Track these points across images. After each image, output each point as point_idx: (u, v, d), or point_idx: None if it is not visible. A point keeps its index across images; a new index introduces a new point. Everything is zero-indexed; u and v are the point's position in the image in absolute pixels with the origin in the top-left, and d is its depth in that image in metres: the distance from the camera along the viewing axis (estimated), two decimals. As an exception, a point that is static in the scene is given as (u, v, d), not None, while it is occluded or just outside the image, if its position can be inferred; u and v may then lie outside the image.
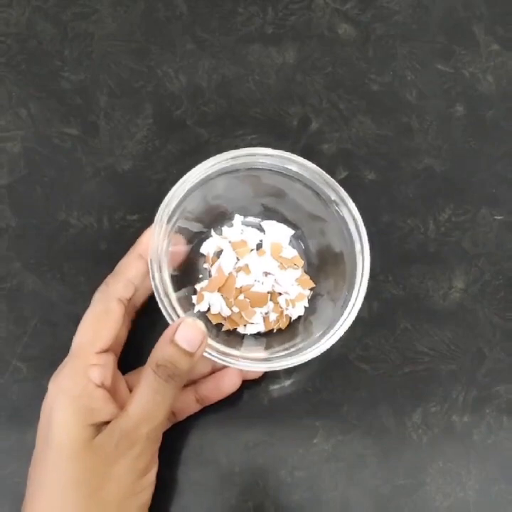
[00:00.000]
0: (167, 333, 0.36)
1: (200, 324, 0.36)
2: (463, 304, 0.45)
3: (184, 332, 0.35)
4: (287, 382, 0.43)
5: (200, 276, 0.44)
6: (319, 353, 0.37)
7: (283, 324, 0.43)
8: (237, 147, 0.48)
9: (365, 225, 0.39)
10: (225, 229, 0.45)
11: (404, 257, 0.46)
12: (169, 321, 0.37)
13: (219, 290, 0.43)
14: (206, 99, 0.50)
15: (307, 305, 0.44)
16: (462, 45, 0.52)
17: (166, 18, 0.52)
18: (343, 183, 0.41)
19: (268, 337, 0.43)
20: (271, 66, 0.51)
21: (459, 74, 0.51)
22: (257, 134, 0.49)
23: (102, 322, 0.38)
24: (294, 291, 0.43)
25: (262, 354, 0.41)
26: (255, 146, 0.48)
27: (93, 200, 0.47)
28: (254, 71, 0.51)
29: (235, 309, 0.43)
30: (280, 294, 0.44)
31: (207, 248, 0.45)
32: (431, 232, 0.47)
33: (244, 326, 0.43)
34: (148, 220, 0.46)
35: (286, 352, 0.39)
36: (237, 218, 0.45)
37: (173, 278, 0.41)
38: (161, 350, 0.36)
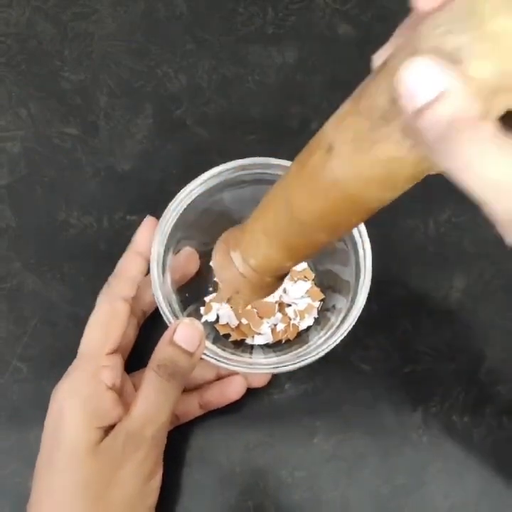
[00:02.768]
0: (166, 335, 0.36)
1: (198, 324, 0.36)
2: (463, 304, 0.45)
3: (183, 332, 0.36)
4: (287, 383, 0.43)
5: (210, 288, 0.45)
6: (322, 354, 0.38)
7: (291, 335, 0.43)
8: (237, 147, 0.48)
9: (365, 224, 0.39)
10: None
11: (405, 257, 0.46)
12: (168, 323, 0.37)
13: (227, 301, 0.43)
14: (206, 99, 0.50)
15: (317, 316, 0.44)
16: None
17: (166, 18, 0.52)
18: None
19: (276, 348, 0.43)
20: (271, 66, 0.51)
21: (459, 74, 0.51)
22: (257, 134, 0.49)
23: (109, 323, 0.38)
24: (303, 302, 0.44)
25: (269, 361, 0.40)
26: (255, 146, 0.48)
27: (93, 200, 0.47)
28: (255, 71, 0.51)
29: (244, 321, 0.43)
30: (289, 305, 0.44)
31: None
32: (431, 232, 0.47)
33: (253, 337, 0.43)
34: (148, 220, 0.46)
35: (293, 360, 0.39)
36: None
37: (183, 291, 0.42)
38: (162, 351, 0.36)
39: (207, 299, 0.44)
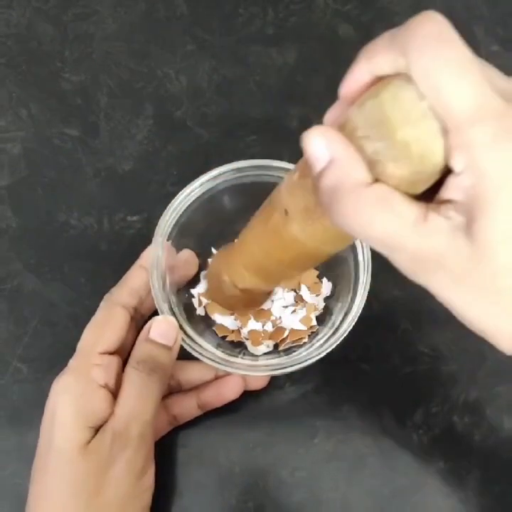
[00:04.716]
0: (142, 333, 0.37)
1: (172, 319, 0.38)
2: (463, 304, 0.45)
3: (158, 328, 0.37)
4: (287, 383, 0.43)
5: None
6: (323, 356, 0.38)
7: (291, 336, 0.43)
8: (237, 148, 0.48)
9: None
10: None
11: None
12: None
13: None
14: (206, 99, 0.50)
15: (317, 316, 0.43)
16: (462, 46, 0.52)
17: (166, 18, 0.52)
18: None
19: (276, 349, 0.43)
20: (271, 67, 0.51)
21: (459, 74, 0.51)
22: (258, 134, 0.49)
23: (105, 324, 0.38)
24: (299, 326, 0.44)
25: (269, 363, 0.40)
26: (256, 147, 0.48)
27: (93, 200, 0.47)
28: (255, 72, 0.51)
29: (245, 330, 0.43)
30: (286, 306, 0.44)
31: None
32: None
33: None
34: (148, 221, 0.46)
35: (293, 362, 0.38)
36: None
37: (182, 292, 0.42)
38: (139, 349, 0.37)
39: (194, 291, 0.44)
